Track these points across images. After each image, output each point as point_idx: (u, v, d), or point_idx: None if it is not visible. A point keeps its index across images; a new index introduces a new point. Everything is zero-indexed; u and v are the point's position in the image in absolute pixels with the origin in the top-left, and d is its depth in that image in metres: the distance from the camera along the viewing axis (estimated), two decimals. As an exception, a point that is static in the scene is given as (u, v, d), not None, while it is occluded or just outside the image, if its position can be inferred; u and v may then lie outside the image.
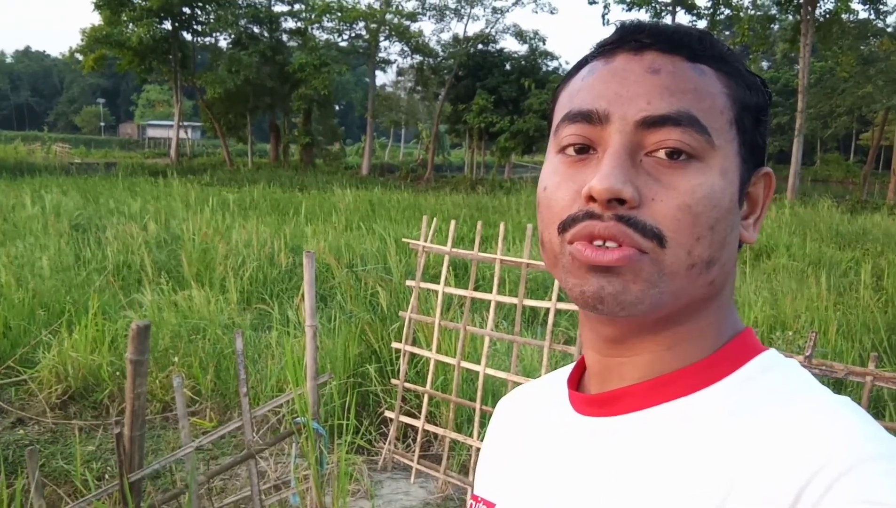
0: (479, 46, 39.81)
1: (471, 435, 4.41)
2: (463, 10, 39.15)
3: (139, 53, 35.60)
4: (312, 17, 38.39)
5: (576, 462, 0.71)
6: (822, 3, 28.00)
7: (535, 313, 6.93)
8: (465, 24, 41.61)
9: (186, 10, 37.35)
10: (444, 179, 37.42)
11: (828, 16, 28.24)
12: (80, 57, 38.53)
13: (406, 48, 40.11)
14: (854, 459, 0.56)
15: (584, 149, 0.67)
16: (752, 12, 30.94)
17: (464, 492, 4.40)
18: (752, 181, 0.70)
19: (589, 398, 0.73)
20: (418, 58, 40.64)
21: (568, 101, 0.69)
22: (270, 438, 4.08)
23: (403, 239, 5.99)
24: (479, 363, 4.45)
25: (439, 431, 4.57)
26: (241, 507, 3.97)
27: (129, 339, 3.05)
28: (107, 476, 4.37)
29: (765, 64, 53.78)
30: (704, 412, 0.66)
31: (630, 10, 33.09)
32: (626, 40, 0.68)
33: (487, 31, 39.70)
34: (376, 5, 38.23)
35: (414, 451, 4.64)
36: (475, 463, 4.07)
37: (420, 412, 4.73)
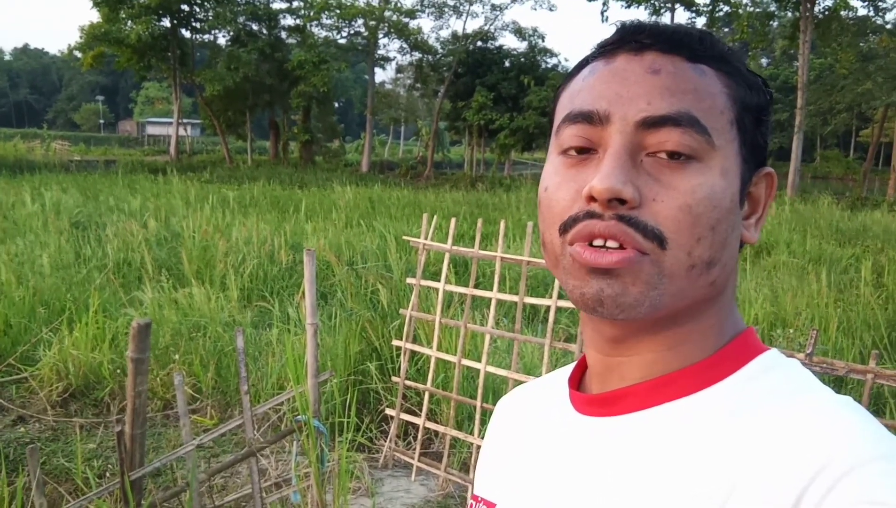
0: (479, 43, 39.77)
1: (471, 433, 4.41)
2: (462, 7, 39.10)
3: (138, 51, 35.56)
4: (311, 14, 38.32)
5: (577, 462, 0.71)
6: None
7: (536, 310, 6.93)
8: (464, 21, 41.67)
9: (185, 7, 37.32)
10: (444, 176, 37.41)
11: (827, 12, 28.22)
12: (79, 54, 38.52)
13: (405, 45, 40.07)
14: (856, 460, 0.56)
15: (585, 149, 0.67)
16: (752, 9, 30.90)
17: (464, 490, 4.40)
18: (754, 181, 0.70)
19: (590, 397, 0.73)
20: (417, 55, 40.59)
21: (569, 101, 0.69)
22: (271, 436, 4.09)
23: (404, 237, 5.99)
24: (479, 360, 4.46)
25: (440, 429, 4.57)
26: (241, 505, 3.97)
27: (129, 337, 3.05)
28: (108, 474, 4.38)
29: (764, 61, 53.75)
30: (705, 412, 0.66)
31: (629, 7, 33.07)
32: (627, 41, 0.68)
33: (486, 28, 39.66)
34: (375, 2, 38.17)
35: (415, 449, 4.64)
36: (476, 461, 4.07)
37: (421, 410, 4.73)
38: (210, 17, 38.26)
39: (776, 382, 0.66)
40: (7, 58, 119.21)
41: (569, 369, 0.82)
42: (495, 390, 4.64)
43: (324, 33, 39.82)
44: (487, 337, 4.43)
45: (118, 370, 5.47)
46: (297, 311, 6.46)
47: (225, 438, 4.86)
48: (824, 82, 39.97)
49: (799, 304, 7.17)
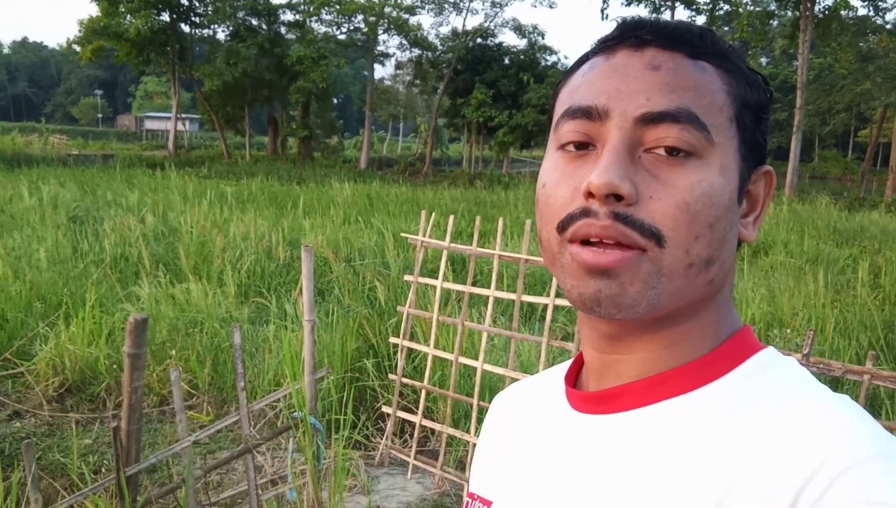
0: (478, 40, 39.77)
1: (468, 431, 4.41)
2: (462, 4, 39.07)
3: (137, 45, 35.53)
4: (311, 9, 38.29)
5: (573, 459, 0.71)
6: (821, -1, 28.00)
7: (533, 308, 6.93)
8: (464, 18, 41.65)
9: (185, 1, 37.28)
10: (443, 173, 37.40)
11: (827, 12, 28.23)
12: (77, 48, 38.43)
13: (405, 42, 40.06)
14: (853, 458, 0.56)
15: (584, 145, 0.67)
16: (752, 8, 30.90)
17: (460, 488, 4.40)
18: (752, 179, 0.70)
19: (586, 395, 0.73)
20: (417, 51, 40.59)
21: (568, 97, 0.69)
22: (267, 432, 4.08)
23: (402, 234, 5.99)
24: (476, 358, 4.46)
25: (436, 426, 4.58)
26: (237, 502, 3.97)
27: (126, 332, 3.04)
28: (103, 470, 4.37)
29: (763, 60, 53.80)
30: (702, 410, 0.66)
31: (629, 4, 33.06)
32: (627, 37, 0.67)
33: (486, 24, 39.65)
34: (375, -1, 38.16)
35: (411, 446, 4.64)
36: (472, 459, 4.08)
37: (417, 408, 4.73)
38: (209, 12, 38.20)
39: (773, 380, 0.66)
40: (6, 51, 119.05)
41: (565, 366, 0.81)
42: (492, 388, 4.64)
43: (323, 29, 39.84)
44: (485, 335, 4.42)
45: (114, 366, 5.46)
46: (294, 307, 6.46)
47: (221, 434, 4.86)
48: (823, 82, 40.00)
49: (796, 304, 7.18)
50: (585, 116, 0.66)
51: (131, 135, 71.94)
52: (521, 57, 39.49)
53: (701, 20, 31.97)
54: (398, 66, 45.85)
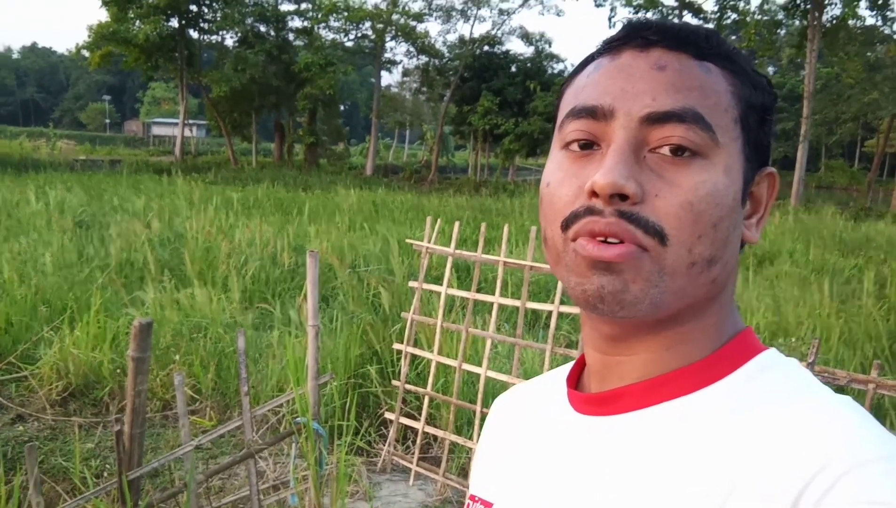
0: (485, 48, 39.87)
1: (471, 438, 4.40)
2: (469, 12, 39.22)
3: (145, 51, 35.68)
4: (319, 16, 38.47)
5: (575, 461, 0.71)
6: (829, 8, 27.99)
7: (537, 316, 6.92)
8: (472, 26, 41.60)
9: (193, 7, 37.44)
10: (448, 180, 37.44)
11: (835, 22, 28.24)
12: (86, 54, 38.63)
13: (412, 49, 40.18)
14: (855, 459, 0.56)
15: (589, 145, 0.67)
16: (759, 17, 30.92)
17: (463, 495, 4.39)
18: (756, 181, 0.70)
19: (588, 396, 0.73)
20: (424, 59, 40.73)
21: (573, 97, 0.69)
22: (270, 438, 4.08)
23: (407, 240, 5.99)
24: (480, 365, 4.45)
25: (439, 433, 4.57)
26: (239, 507, 3.96)
27: (131, 336, 3.04)
28: (105, 474, 4.37)
29: (771, 69, 53.74)
30: (704, 411, 0.66)
31: (637, 13, 33.09)
32: (633, 37, 0.67)
33: (493, 32, 39.79)
34: (383, 6, 38.30)
35: (413, 453, 4.63)
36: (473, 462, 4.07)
37: (420, 414, 4.72)
38: (218, 18, 38.38)
39: (775, 381, 0.66)
40: (15, 56, 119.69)
41: (567, 368, 0.82)
42: (495, 395, 4.59)
43: (331, 36, 40.00)
44: (489, 342, 4.42)
45: (118, 370, 5.47)
46: (298, 313, 6.46)
47: (224, 439, 4.86)
48: (831, 92, 39.99)
49: (801, 314, 7.15)
50: (590, 116, 0.66)
51: (139, 140, 72.26)
52: (528, 65, 39.58)
53: (708, 29, 31.95)
54: (405, 73, 45.98)
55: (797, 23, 31.04)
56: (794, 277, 9.76)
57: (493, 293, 4.43)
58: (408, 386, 4.77)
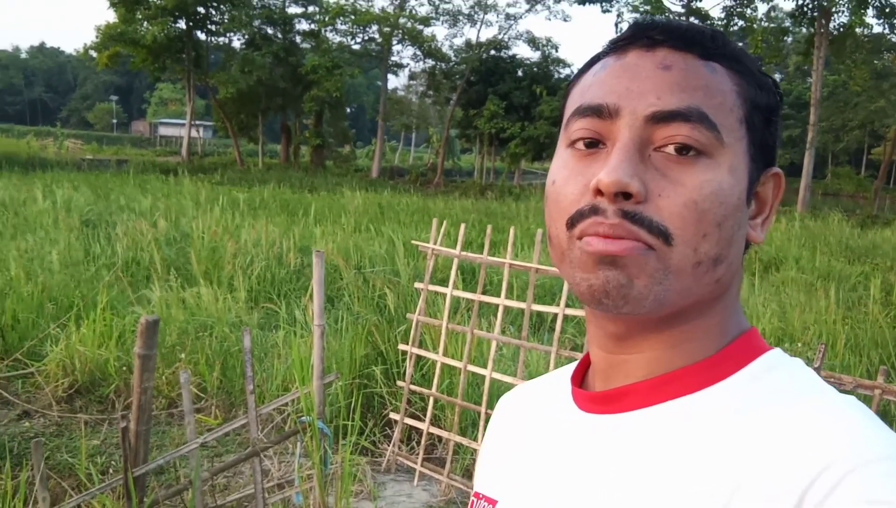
0: (492, 52, 39.84)
1: (475, 439, 4.41)
2: (476, 16, 39.21)
3: (153, 52, 35.72)
4: (326, 19, 38.51)
5: (579, 459, 0.71)
6: (836, 16, 27.92)
7: (542, 318, 6.91)
8: (478, 30, 41.83)
9: (201, 9, 37.47)
10: (454, 183, 37.42)
11: (842, 29, 28.16)
12: (94, 54, 38.66)
13: (419, 52, 40.17)
14: (859, 459, 0.56)
15: (594, 143, 0.67)
16: (766, 24, 30.88)
17: (467, 496, 4.39)
18: (762, 181, 0.70)
19: (593, 395, 0.73)
20: (431, 62, 40.70)
21: (579, 96, 0.70)
22: (275, 437, 4.09)
23: (413, 242, 6.00)
24: (485, 367, 4.45)
25: (444, 434, 4.57)
26: (244, 505, 3.97)
27: (137, 333, 3.05)
28: (111, 471, 4.38)
29: (778, 76, 53.62)
30: (709, 410, 0.66)
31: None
32: (639, 37, 0.68)
33: (500, 37, 39.73)
34: (390, 9, 38.31)
35: (418, 454, 4.63)
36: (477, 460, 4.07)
37: (425, 415, 4.73)
38: (226, 20, 38.41)
39: (780, 381, 0.66)
40: (23, 56, 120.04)
41: (571, 367, 0.81)
42: (500, 397, 4.60)
43: (338, 39, 40.04)
44: (494, 344, 4.42)
45: (124, 368, 5.49)
46: (303, 313, 6.47)
47: (229, 437, 4.87)
48: (837, 99, 39.92)
49: (807, 320, 7.14)
50: (596, 115, 0.66)
51: (145, 141, 72.39)
52: (535, 69, 39.53)
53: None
54: (411, 76, 46.03)
55: (804, 30, 30.97)
56: (801, 283, 9.75)
57: (499, 296, 4.43)
58: (413, 387, 4.78)
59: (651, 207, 0.63)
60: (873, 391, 3.10)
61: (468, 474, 4.52)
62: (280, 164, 41.38)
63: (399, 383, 4.89)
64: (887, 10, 28.15)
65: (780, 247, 13.13)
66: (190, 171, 27.47)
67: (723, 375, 0.67)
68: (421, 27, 38.46)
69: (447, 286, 4.68)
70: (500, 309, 4.41)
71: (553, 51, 40.54)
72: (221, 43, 40.91)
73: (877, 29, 31.02)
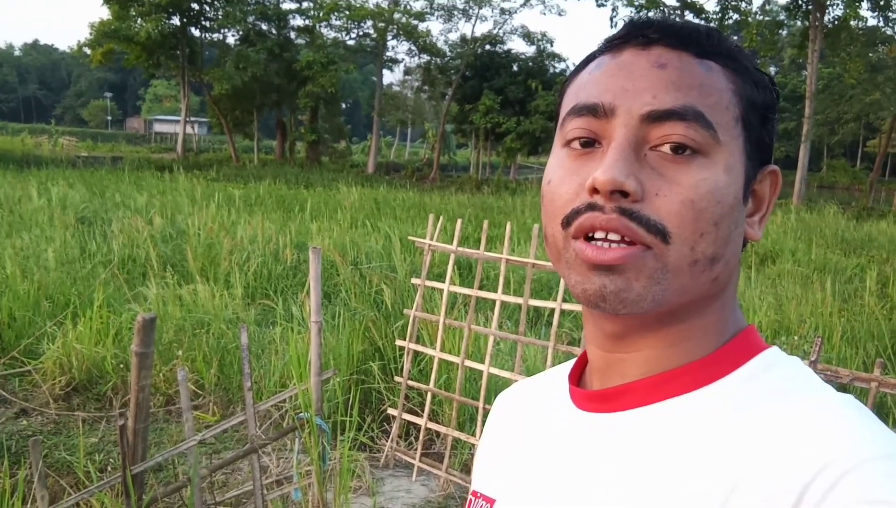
0: (487, 47, 39.81)
1: (473, 434, 4.42)
2: (471, 11, 39.15)
3: (147, 48, 35.61)
4: (321, 14, 38.41)
5: (577, 458, 0.71)
6: (830, 9, 27.94)
7: (539, 313, 6.92)
8: (473, 25, 41.60)
9: (195, 5, 37.37)
10: (450, 178, 37.44)
11: (836, 22, 28.18)
12: (88, 51, 38.57)
13: (413, 47, 40.13)
14: (857, 458, 0.56)
15: (590, 143, 0.67)
16: (761, 18, 30.88)
17: (465, 491, 4.40)
18: (758, 179, 0.70)
19: (590, 393, 0.73)
20: (426, 57, 40.64)
21: (574, 95, 0.69)
22: (273, 433, 4.09)
23: (409, 237, 6.00)
24: (482, 362, 4.46)
25: (442, 429, 4.58)
26: (242, 501, 3.97)
27: (134, 331, 3.05)
28: (109, 468, 4.38)
29: (773, 69, 53.66)
30: (706, 409, 0.66)
31: (638, 12, 33.04)
32: (634, 35, 0.68)
33: (495, 31, 39.71)
34: (384, 4, 38.26)
35: (416, 449, 4.64)
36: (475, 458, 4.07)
37: (423, 411, 4.74)
38: (220, 16, 38.31)
39: (777, 379, 0.66)
40: (17, 53, 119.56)
41: (569, 365, 0.81)
42: (498, 391, 4.61)
43: (333, 34, 39.96)
44: (491, 339, 4.43)
45: (121, 365, 5.48)
46: (300, 310, 6.47)
47: (227, 434, 4.87)
48: (832, 92, 39.94)
49: (803, 312, 7.15)
50: (591, 114, 0.66)
51: (140, 138, 72.19)
52: (530, 64, 39.53)
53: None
54: (407, 71, 45.93)
55: (799, 23, 30.99)
56: (797, 276, 9.77)
57: (496, 291, 4.44)
58: (410, 383, 4.79)
59: (648, 205, 0.63)
60: (870, 383, 3.11)
61: (466, 469, 4.53)
62: (275, 160, 41.32)
63: (397, 378, 4.90)
64: (881, 2, 28.19)
65: (776, 240, 13.16)
66: (185, 167, 27.42)
67: (720, 373, 0.67)
68: (416, 22, 38.41)
69: (444, 282, 4.68)
70: (498, 304, 4.41)
71: (548, 45, 40.57)
72: (216, 39, 40.81)
73: (871, 21, 31.09)
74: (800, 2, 28.20)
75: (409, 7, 38.44)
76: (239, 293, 7.37)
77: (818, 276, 9.55)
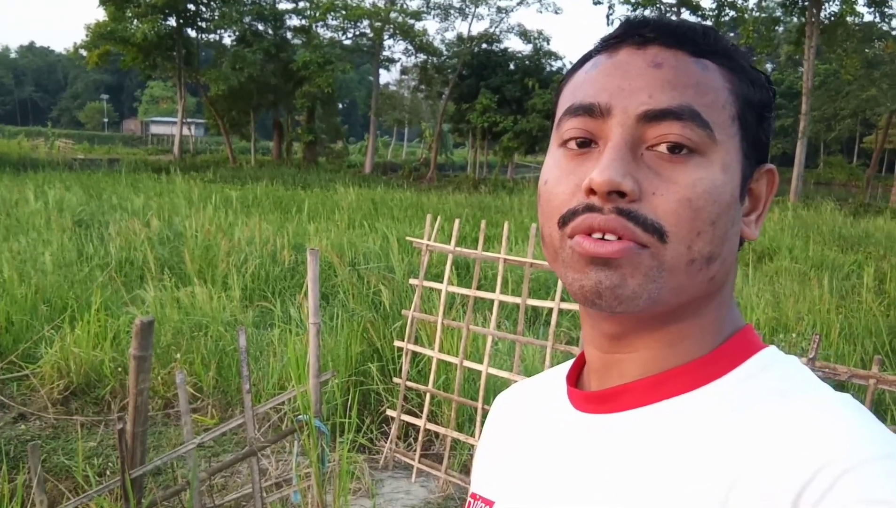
0: (484, 46, 39.81)
1: (472, 435, 4.41)
2: (467, 10, 39.19)
3: (143, 50, 35.61)
4: (317, 14, 38.41)
5: (575, 459, 0.71)
6: (827, 5, 27.98)
7: (538, 313, 6.92)
8: (470, 24, 41.46)
9: (191, 6, 37.39)
10: (447, 178, 37.44)
11: (833, 18, 28.22)
12: (84, 53, 38.53)
13: (410, 47, 40.15)
14: (856, 458, 0.56)
15: (586, 143, 0.67)
16: (757, 14, 30.91)
17: (465, 492, 4.40)
18: (755, 177, 0.70)
19: (588, 394, 0.73)
20: (422, 57, 40.67)
21: (571, 94, 0.69)
22: (272, 435, 4.09)
23: (407, 238, 5.99)
24: (481, 362, 4.46)
25: (441, 430, 4.58)
26: (242, 504, 3.97)
27: (133, 334, 3.05)
28: (108, 472, 4.38)
29: (769, 66, 53.72)
30: (704, 409, 0.65)
31: (634, 10, 33.06)
32: (630, 35, 0.67)
33: (492, 30, 39.72)
34: (381, 4, 38.28)
35: (415, 450, 4.64)
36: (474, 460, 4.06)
37: (422, 411, 4.73)
38: (216, 17, 38.33)
39: (775, 379, 0.66)
40: (13, 55, 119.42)
41: (567, 366, 0.81)
42: (496, 392, 4.61)
43: (329, 34, 39.98)
44: (489, 339, 4.43)
45: (119, 369, 5.48)
46: (298, 311, 6.47)
47: (226, 437, 4.86)
48: (829, 88, 39.98)
49: (801, 309, 7.16)
50: (588, 114, 0.66)
51: (137, 139, 72.15)
52: (527, 62, 39.53)
53: (706, 26, 31.92)
54: (403, 71, 45.94)
55: (795, 20, 31.03)
56: (794, 273, 9.77)
57: (494, 291, 4.44)
58: (409, 383, 4.78)
59: (645, 205, 0.63)
60: (868, 380, 3.11)
61: (466, 470, 4.53)
62: (272, 161, 41.31)
63: (395, 379, 4.89)
64: (877, -2, 28.22)
65: (773, 237, 13.17)
66: (182, 169, 27.41)
67: (718, 373, 0.67)
68: (412, 21, 38.43)
69: (442, 282, 4.68)
70: (496, 304, 4.41)
71: (545, 44, 40.55)
72: (212, 40, 40.78)
73: (868, 17, 31.07)
74: (796, -2, 28.24)
75: (405, 6, 38.45)
76: (237, 295, 7.36)
77: (815, 273, 9.56)
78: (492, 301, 4.46)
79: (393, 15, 37.65)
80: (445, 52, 40.68)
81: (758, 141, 0.69)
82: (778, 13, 31.34)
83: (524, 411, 0.84)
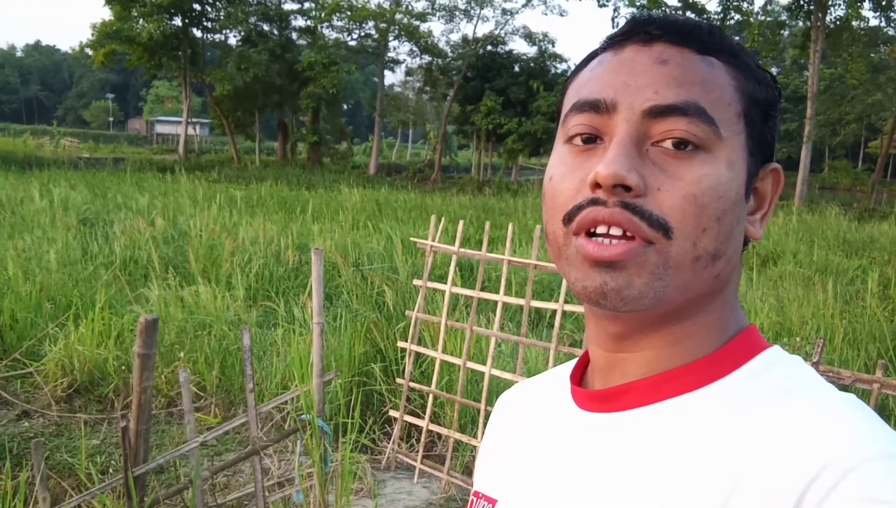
0: (488, 48, 39.80)
1: (475, 436, 4.41)
2: (472, 11, 39.15)
3: (149, 49, 35.63)
4: (322, 15, 38.42)
5: (579, 458, 0.71)
6: (832, 9, 27.93)
7: (541, 314, 6.92)
8: (475, 26, 41.52)
9: (197, 6, 37.41)
10: (451, 180, 37.43)
11: (838, 23, 28.16)
12: (90, 52, 38.59)
13: (415, 48, 40.12)
14: (859, 457, 0.56)
15: (592, 139, 0.67)
16: (763, 18, 30.87)
17: (467, 493, 4.39)
18: (760, 176, 0.70)
19: (592, 393, 0.73)
20: (427, 58, 40.63)
21: (576, 91, 0.69)
22: (275, 435, 4.09)
23: (411, 238, 6.00)
24: (484, 363, 4.46)
25: (443, 431, 4.57)
26: (244, 503, 3.97)
27: (136, 333, 3.05)
28: (111, 470, 4.38)
29: (774, 70, 53.63)
30: (708, 408, 0.65)
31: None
32: (636, 32, 0.68)
33: (497, 32, 39.69)
34: (386, 5, 38.26)
35: (418, 451, 4.64)
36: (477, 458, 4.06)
37: (424, 412, 4.73)
38: (221, 17, 38.36)
39: (779, 379, 0.66)
40: (19, 54, 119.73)
41: (570, 365, 0.81)
42: (499, 393, 4.60)
43: (334, 35, 39.96)
44: (493, 340, 4.42)
45: (123, 367, 5.48)
46: (302, 311, 6.47)
47: (228, 436, 4.87)
48: (834, 93, 39.94)
49: (805, 314, 7.15)
50: (593, 110, 0.66)
51: (142, 139, 72.26)
52: (531, 65, 39.51)
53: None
54: (408, 72, 45.94)
55: (800, 24, 30.99)
56: (798, 277, 9.76)
57: (497, 292, 4.44)
58: (412, 384, 4.78)
59: (650, 200, 0.63)
60: (872, 385, 3.11)
61: (468, 471, 4.53)
62: (277, 161, 41.35)
63: (398, 380, 4.89)
64: (883, 2, 28.16)
65: (777, 241, 13.14)
66: (187, 169, 27.43)
67: (722, 373, 0.67)
68: (417, 23, 38.40)
69: (446, 283, 4.68)
70: (499, 306, 4.41)
71: (550, 46, 40.54)
72: (217, 40, 40.83)
73: (873, 22, 31.03)
74: (801, 2, 28.18)
75: (410, 8, 38.45)
76: (241, 295, 7.37)
77: (820, 277, 9.54)
78: (495, 303, 4.45)
79: (398, 16, 37.64)
80: (450, 54, 40.67)
81: (763, 139, 0.69)
82: (783, 17, 31.33)
83: (527, 409, 0.84)
